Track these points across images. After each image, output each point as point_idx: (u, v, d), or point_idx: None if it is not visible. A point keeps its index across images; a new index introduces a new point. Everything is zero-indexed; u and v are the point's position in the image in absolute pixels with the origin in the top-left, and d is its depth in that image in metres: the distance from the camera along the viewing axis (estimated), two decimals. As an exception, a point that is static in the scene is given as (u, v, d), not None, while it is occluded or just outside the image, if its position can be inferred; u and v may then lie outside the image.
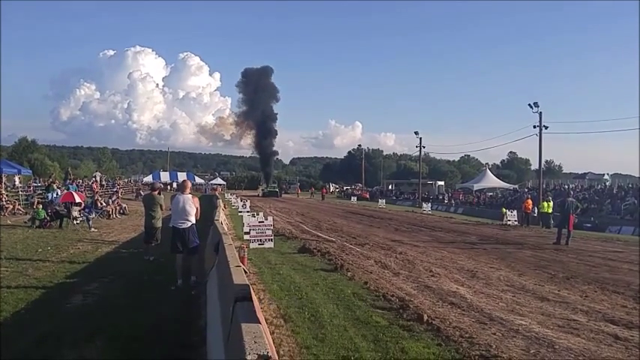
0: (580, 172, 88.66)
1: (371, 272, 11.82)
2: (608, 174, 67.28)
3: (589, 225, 30.97)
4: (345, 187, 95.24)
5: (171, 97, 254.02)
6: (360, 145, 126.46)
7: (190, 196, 10.52)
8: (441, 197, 64.33)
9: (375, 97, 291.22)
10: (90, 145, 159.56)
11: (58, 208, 21.24)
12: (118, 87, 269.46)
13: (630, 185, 42.98)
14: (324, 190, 79.44)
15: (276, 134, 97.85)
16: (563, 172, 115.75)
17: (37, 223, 19.85)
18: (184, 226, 10.11)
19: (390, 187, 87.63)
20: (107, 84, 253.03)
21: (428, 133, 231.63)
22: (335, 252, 14.79)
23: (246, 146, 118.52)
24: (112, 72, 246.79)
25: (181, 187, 11.02)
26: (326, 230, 22.50)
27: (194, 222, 10.29)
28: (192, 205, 10.21)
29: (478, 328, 7.38)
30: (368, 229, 24.03)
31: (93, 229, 19.70)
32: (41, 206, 21.37)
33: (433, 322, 7.44)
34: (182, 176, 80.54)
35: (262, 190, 77.50)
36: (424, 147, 66.22)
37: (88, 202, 24.14)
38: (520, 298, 9.54)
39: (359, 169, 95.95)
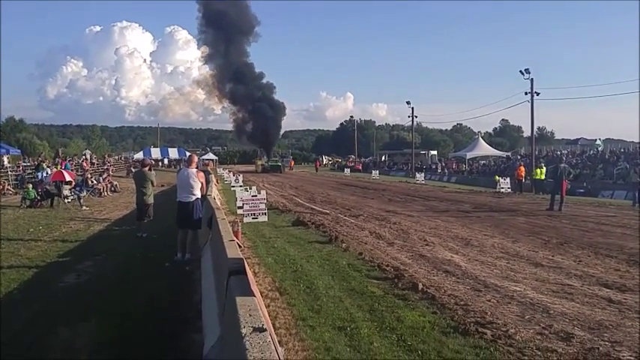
0: (572, 138, 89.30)
1: (365, 243, 11.83)
2: (600, 139, 67.33)
3: (582, 190, 31.10)
4: (337, 160, 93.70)
5: (159, 72, 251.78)
6: (352, 117, 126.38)
7: (195, 170, 10.57)
8: (434, 167, 64.29)
9: (366, 67, 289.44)
10: (79, 122, 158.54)
11: (48, 187, 21.12)
12: (105, 63, 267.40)
13: (622, 150, 43.10)
14: (318, 163, 78.69)
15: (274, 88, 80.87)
16: (556, 138, 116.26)
17: (28, 202, 19.73)
18: (189, 200, 10.15)
19: (383, 157, 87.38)
20: (94, 60, 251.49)
21: (420, 102, 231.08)
22: (329, 224, 14.79)
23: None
24: (98, 48, 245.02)
25: (187, 162, 11.00)
26: (320, 203, 22.48)
27: (199, 196, 10.32)
28: (196, 180, 10.25)
29: (473, 295, 7.41)
30: (362, 201, 24.02)
31: (84, 208, 19.61)
32: (31, 185, 21.22)
33: (428, 290, 7.46)
34: (173, 152, 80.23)
35: (262, 164, 66.53)
36: (416, 117, 65.82)
37: (78, 181, 24.05)
38: (514, 264, 9.58)
39: (352, 140, 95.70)
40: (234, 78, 74.86)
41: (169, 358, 5.19)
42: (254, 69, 78.37)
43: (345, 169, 65.43)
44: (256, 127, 74.92)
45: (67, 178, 21.85)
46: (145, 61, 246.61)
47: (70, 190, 21.43)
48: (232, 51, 75.42)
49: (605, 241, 12.22)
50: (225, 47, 74.80)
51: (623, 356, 5.13)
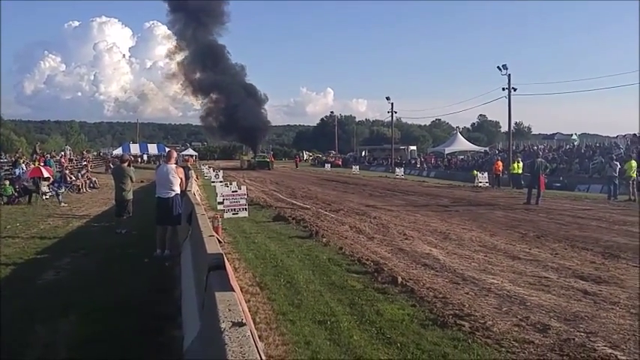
0: (549, 133, 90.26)
1: (346, 237, 11.88)
2: (576, 134, 68.44)
3: (558, 184, 31.48)
4: (317, 155, 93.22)
5: (138, 68, 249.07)
6: (332, 112, 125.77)
7: (174, 166, 10.51)
8: (413, 162, 64.60)
9: (346, 63, 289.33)
10: (57, 118, 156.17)
11: (26, 183, 20.79)
12: (83, 59, 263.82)
13: (598, 144, 43.73)
14: (298, 159, 78.38)
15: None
16: (533, 133, 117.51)
17: (5, 199, 19.42)
18: (168, 195, 10.08)
19: (363, 153, 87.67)
20: (73, 56, 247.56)
21: (399, 98, 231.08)
22: (310, 219, 14.81)
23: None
24: (77, 43, 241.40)
25: (166, 157, 10.94)
26: (301, 198, 22.50)
27: (178, 192, 10.27)
28: (175, 176, 10.19)
29: (451, 288, 7.49)
30: (342, 196, 24.09)
31: (63, 204, 19.37)
32: (8, 182, 20.88)
33: (407, 283, 7.53)
34: (152, 148, 79.09)
35: (248, 160, 61.50)
36: (396, 112, 66.03)
37: (56, 177, 23.72)
38: (492, 257, 9.70)
39: (332, 136, 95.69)
40: (205, 64, 70.38)
41: (149, 354, 5.17)
42: (227, 54, 73.96)
43: (326, 165, 65.44)
44: (236, 118, 68.14)
45: (45, 174, 21.53)
46: (124, 56, 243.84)
47: (48, 186, 21.13)
48: (201, 36, 70.62)
49: (581, 234, 12.43)
50: (192, 31, 70.11)
51: (598, 346, 5.23)
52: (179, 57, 72.99)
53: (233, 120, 68.74)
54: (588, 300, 6.89)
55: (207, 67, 70.56)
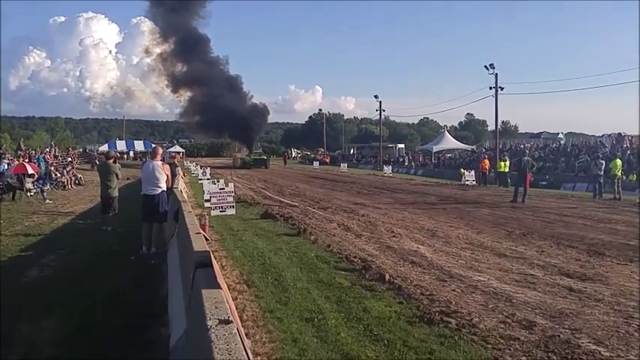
0: (535, 132, 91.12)
1: (334, 235, 11.88)
2: (562, 133, 69.17)
3: (544, 183, 31.73)
4: (306, 153, 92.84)
5: (125, 64, 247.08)
6: (320, 110, 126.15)
7: (160, 162, 10.47)
8: (401, 160, 64.84)
9: (334, 61, 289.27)
10: (42, 114, 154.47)
11: (10, 180, 20.56)
12: (69, 54, 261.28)
13: (584, 143, 44.14)
14: (286, 156, 78.17)
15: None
16: (519, 132, 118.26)
17: (-12, 196, 19.21)
18: (154, 192, 10.05)
19: (351, 151, 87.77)
20: (58, 51, 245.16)
21: (388, 96, 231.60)
22: (298, 216, 14.79)
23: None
24: (62, 39, 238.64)
25: (152, 154, 10.88)
26: (289, 195, 22.47)
27: (165, 189, 10.25)
28: (161, 172, 10.16)
29: (438, 285, 7.52)
30: (330, 193, 24.10)
31: (48, 201, 19.21)
32: (-8, 179, 20.66)
33: (395, 281, 7.55)
34: (139, 145, 78.70)
35: (242, 157, 56.63)
36: (384, 110, 66.41)
37: (41, 173, 23.50)
38: (478, 255, 9.76)
39: (320, 133, 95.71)
40: (186, 55, 66.01)
41: (136, 352, 5.13)
42: (209, 46, 69.49)
43: (314, 162, 65.42)
44: (226, 113, 62.15)
45: (30, 170, 21.32)
46: (110, 52, 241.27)
47: (32, 183, 20.92)
48: (181, 22, 65.60)
49: (566, 232, 12.53)
50: (170, 16, 64.75)
51: (583, 343, 5.28)
52: (159, 49, 69.00)
53: (223, 116, 62.90)
54: (573, 297, 6.94)
55: (189, 58, 66.27)
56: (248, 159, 54.90)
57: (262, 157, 56.23)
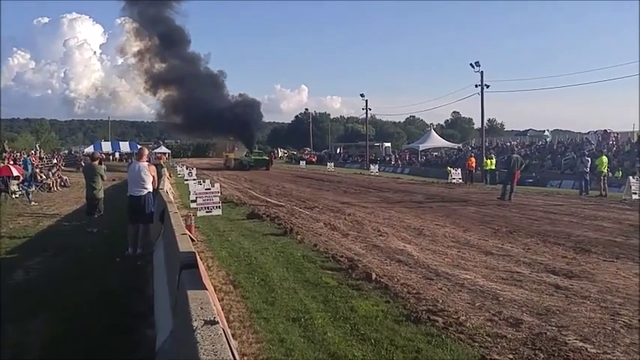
0: (522, 130, 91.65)
1: (320, 234, 11.87)
2: (548, 130, 69.57)
3: (531, 180, 31.98)
4: (292, 152, 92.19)
5: (109, 65, 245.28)
6: (307, 109, 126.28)
7: (146, 163, 10.44)
8: (388, 158, 65.06)
9: (320, 60, 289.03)
10: (27, 116, 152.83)
11: (-6, 182, 20.34)
12: (53, 55, 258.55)
13: (570, 141, 44.53)
14: (272, 156, 77.48)
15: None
16: (506, 129, 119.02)
17: (-28, 199, 18.98)
18: (140, 194, 10.01)
19: (338, 150, 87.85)
20: (42, 53, 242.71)
21: (374, 95, 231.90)
22: (284, 216, 14.76)
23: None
24: (46, 40, 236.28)
25: (138, 155, 10.82)
26: (275, 195, 22.42)
27: (151, 190, 10.20)
28: (147, 173, 10.11)
29: (425, 283, 7.53)
30: (317, 193, 24.08)
31: (33, 203, 19.00)
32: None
33: (381, 280, 7.55)
34: (124, 146, 78.13)
35: (236, 158, 50.72)
36: (370, 109, 66.40)
37: (26, 175, 23.28)
38: (465, 253, 9.79)
39: (307, 133, 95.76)
40: (164, 52, 62.18)
41: (122, 353, 5.09)
42: (188, 41, 65.07)
43: (301, 162, 65.37)
44: (203, 112, 57.13)
45: (15, 172, 21.11)
46: (94, 53, 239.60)
47: (17, 185, 20.73)
48: (157, 17, 61.17)
49: (553, 229, 12.61)
50: (147, 11, 60.48)
51: (569, 340, 5.30)
52: (136, 46, 65.06)
53: (208, 115, 57.79)
54: (560, 294, 6.97)
55: (166, 57, 62.52)
56: (247, 159, 49.28)
57: (264, 157, 50.98)
